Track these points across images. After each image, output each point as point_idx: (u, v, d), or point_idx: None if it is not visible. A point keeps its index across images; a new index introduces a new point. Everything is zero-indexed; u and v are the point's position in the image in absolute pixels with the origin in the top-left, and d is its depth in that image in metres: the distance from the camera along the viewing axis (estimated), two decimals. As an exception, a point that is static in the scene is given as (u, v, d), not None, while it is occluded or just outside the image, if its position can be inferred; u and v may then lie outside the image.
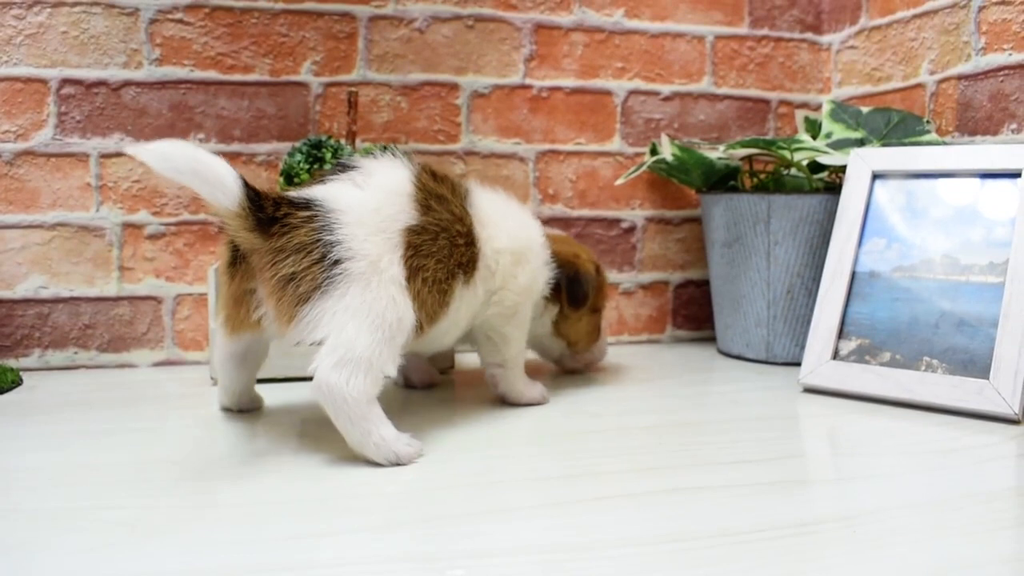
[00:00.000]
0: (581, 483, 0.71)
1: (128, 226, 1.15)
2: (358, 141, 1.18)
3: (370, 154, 0.87)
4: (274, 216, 0.75)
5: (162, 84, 1.15)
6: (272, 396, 0.98)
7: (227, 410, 0.93)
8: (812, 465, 0.79)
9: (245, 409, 0.93)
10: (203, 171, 0.71)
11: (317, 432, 0.84)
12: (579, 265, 1.03)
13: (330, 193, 0.79)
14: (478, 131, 1.26)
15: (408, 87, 1.23)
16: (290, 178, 1.04)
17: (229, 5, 1.17)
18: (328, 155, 1.03)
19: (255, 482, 0.71)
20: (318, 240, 0.75)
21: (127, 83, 1.15)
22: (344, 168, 0.83)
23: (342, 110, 1.20)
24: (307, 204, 0.77)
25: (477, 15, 1.25)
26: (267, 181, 1.18)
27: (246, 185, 0.73)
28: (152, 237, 1.16)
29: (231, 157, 1.17)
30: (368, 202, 0.79)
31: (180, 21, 1.15)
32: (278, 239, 0.75)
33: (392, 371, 0.77)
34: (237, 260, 0.81)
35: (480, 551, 0.57)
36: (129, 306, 1.16)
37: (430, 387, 1.06)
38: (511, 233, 0.92)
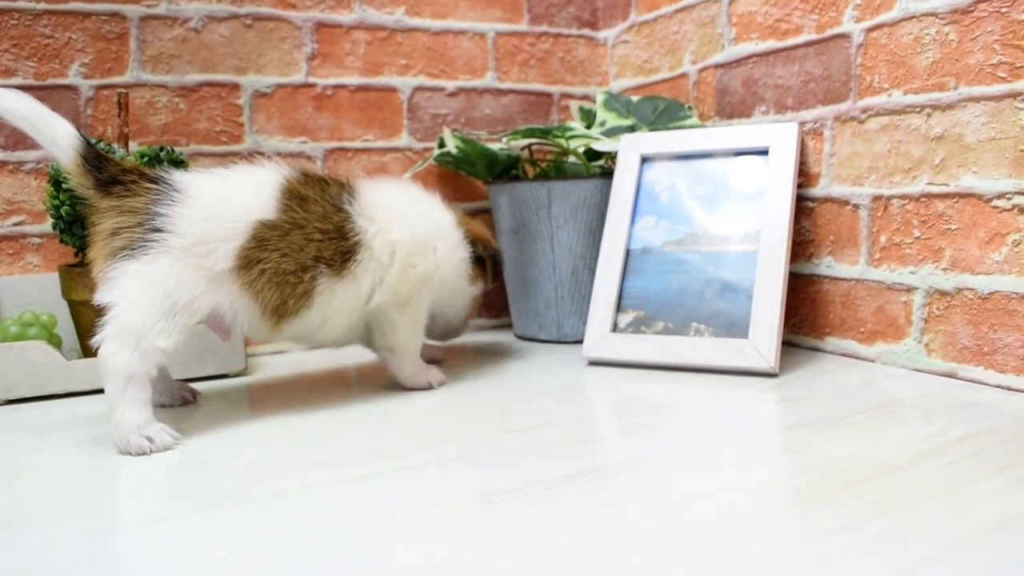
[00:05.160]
0: (369, 461, 0.72)
1: None
2: (132, 144, 1.15)
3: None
4: (118, 179, 0.81)
5: (-88, 90, 1.08)
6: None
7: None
8: (593, 425, 0.84)
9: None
10: (37, 123, 0.78)
11: (93, 446, 0.82)
12: (493, 242, 1.09)
13: (187, 177, 0.85)
14: (262, 131, 1.25)
15: (186, 88, 1.21)
16: (58, 184, 1.00)
17: (-16, 6, 1.11)
18: (98, 157, 1.00)
19: (35, 491, 0.68)
20: (148, 208, 0.80)
21: None
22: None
23: (115, 112, 1.16)
24: (156, 179, 0.82)
25: (255, 14, 1.24)
26: (36, 189, 1.13)
27: (88, 146, 0.80)
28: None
29: (-4, 166, 1.11)
30: (218, 191, 0.84)
31: (-71, 23, 1.09)
32: (116, 199, 0.80)
33: (164, 344, 0.79)
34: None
35: (251, 531, 0.58)
36: None
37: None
38: (409, 223, 0.95)
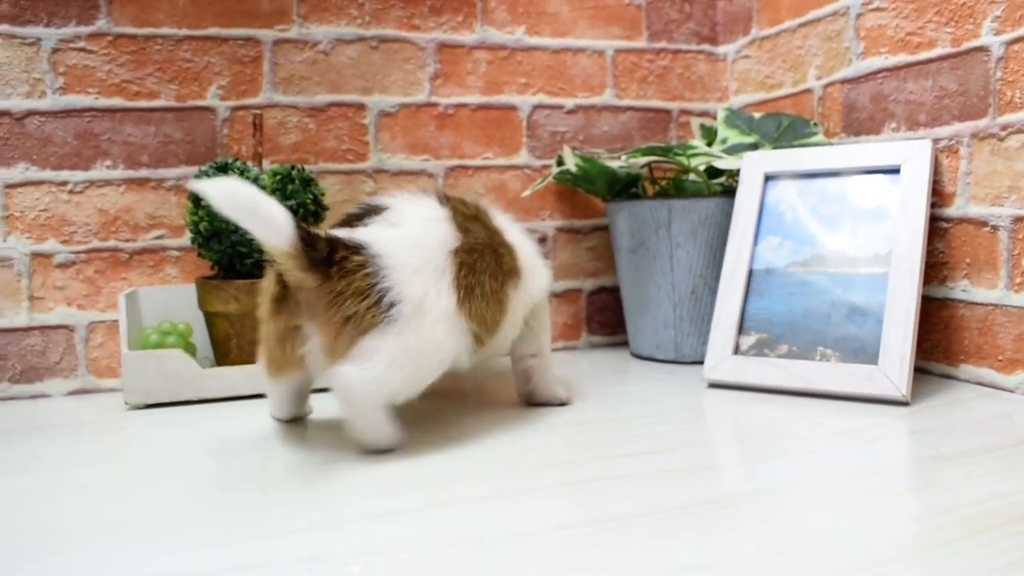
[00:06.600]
0: (490, 480, 0.73)
1: (36, 255, 1.15)
2: (265, 163, 1.20)
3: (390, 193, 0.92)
4: (329, 257, 0.79)
5: (67, 112, 1.16)
6: (189, 417, 0.99)
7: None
8: (714, 452, 0.83)
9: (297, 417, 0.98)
10: (258, 211, 0.75)
11: (229, 454, 0.85)
12: None
13: (373, 236, 0.83)
14: (387, 149, 1.28)
15: (315, 108, 1.25)
16: (197, 200, 1.05)
17: (132, 33, 1.18)
18: (235, 177, 1.04)
19: (170, 495, 0.71)
20: (373, 285, 0.79)
21: (31, 112, 1.14)
22: (372, 208, 0.89)
23: (249, 133, 1.21)
24: (358, 248, 0.80)
25: (381, 36, 1.27)
26: (176, 205, 1.19)
27: (298, 226, 0.77)
28: (61, 266, 1.16)
29: (140, 183, 1.18)
30: (406, 239, 0.84)
31: (83, 50, 1.16)
32: (337, 281, 0.79)
33: (411, 397, 0.83)
34: (282, 298, 0.83)
35: (377, 547, 0.59)
36: (41, 336, 1.15)
37: None
38: (527, 243, 0.98)
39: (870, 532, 0.59)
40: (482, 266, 0.88)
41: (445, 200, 0.91)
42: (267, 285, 0.86)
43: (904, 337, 0.96)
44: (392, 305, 0.79)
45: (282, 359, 0.86)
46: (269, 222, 0.75)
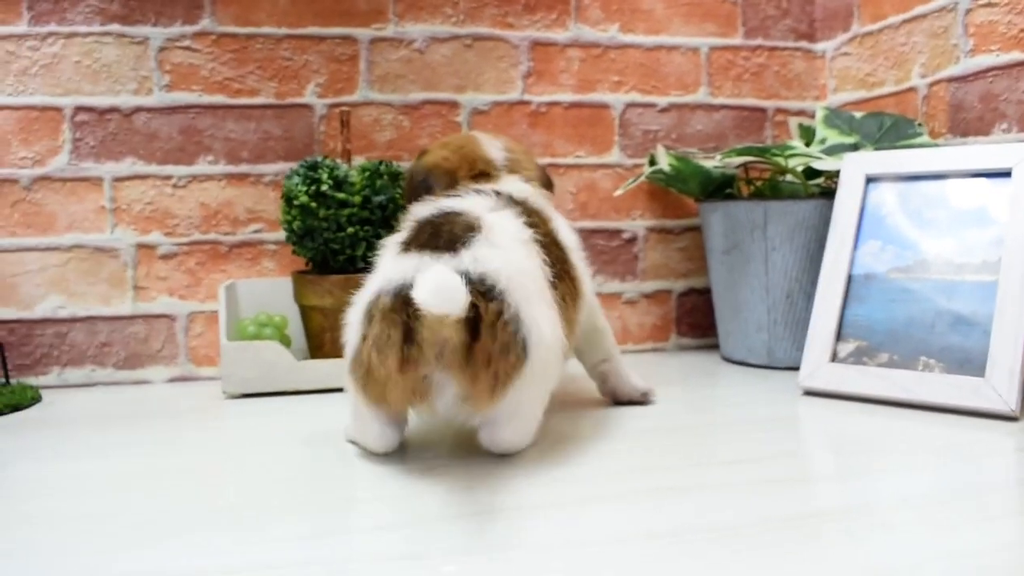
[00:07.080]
0: (580, 484, 0.73)
1: (141, 247, 1.19)
2: (355, 159, 1.22)
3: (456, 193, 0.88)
4: (480, 315, 0.74)
5: (172, 109, 1.19)
6: (271, 408, 1.01)
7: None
8: (809, 463, 0.81)
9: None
10: (456, 295, 0.70)
11: (322, 445, 0.87)
12: None
13: (487, 266, 0.77)
14: (479, 146, 1.29)
15: (409, 106, 1.27)
16: (290, 200, 1.07)
17: (234, 32, 1.21)
18: (324, 176, 1.06)
19: (263, 485, 0.73)
20: (515, 334, 0.75)
21: (138, 109, 1.19)
22: (453, 219, 0.82)
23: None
24: (489, 293, 0.75)
25: (475, 34, 1.28)
26: (273, 200, 1.22)
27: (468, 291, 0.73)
28: (165, 257, 1.19)
29: (239, 178, 1.21)
30: (516, 266, 0.79)
31: (188, 48, 1.19)
32: (485, 339, 0.74)
33: None
34: (411, 353, 0.75)
35: (478, 548, 0.59)
36: (144, 324, 1.19)
37: None
38: (572, 235, 0.94)
39: (971, 557, 0.56)
40: (568, 299, 0.86)
41: (526, 215, 0.86)
42: (385, 337, 0.76)
43: (1014, 348, 0.92)
44: (530, 353, 0.76)
45: (403, 403, 0.79)
46: (455, 300, 0.70)
